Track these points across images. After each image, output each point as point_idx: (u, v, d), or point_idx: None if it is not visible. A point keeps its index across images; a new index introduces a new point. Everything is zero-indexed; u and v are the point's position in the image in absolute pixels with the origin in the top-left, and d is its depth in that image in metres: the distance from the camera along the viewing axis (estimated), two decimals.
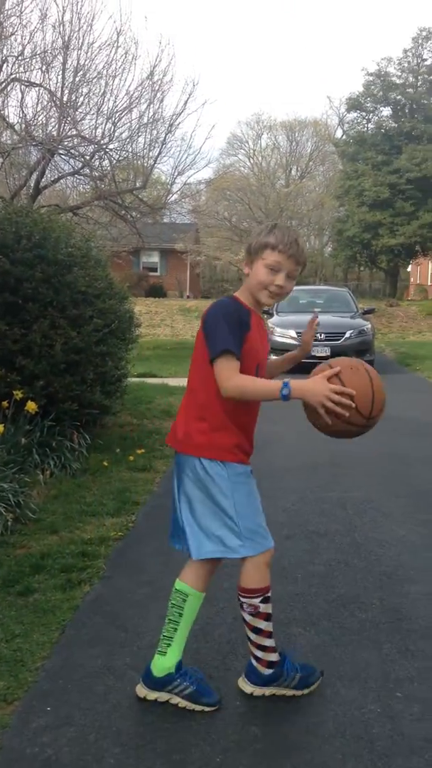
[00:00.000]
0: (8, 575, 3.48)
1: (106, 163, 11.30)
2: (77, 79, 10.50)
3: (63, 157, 10.94)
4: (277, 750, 2.23)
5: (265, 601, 2.46)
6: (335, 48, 71.51)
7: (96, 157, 11.06)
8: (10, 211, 5.93)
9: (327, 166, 44.19)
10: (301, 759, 2.19)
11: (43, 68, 10.30)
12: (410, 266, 39.02)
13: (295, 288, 18.81)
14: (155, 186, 18.23)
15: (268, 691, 2.52)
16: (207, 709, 2.44)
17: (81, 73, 10.54)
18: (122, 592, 3.37)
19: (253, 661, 2.53)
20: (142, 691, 2.51)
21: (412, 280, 41.70)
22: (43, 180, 11.03)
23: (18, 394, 4.98)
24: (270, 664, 2.50)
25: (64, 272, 5.61)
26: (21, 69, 10.20)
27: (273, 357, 2.75)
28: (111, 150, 11.12)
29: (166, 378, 11.13)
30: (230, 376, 2.27)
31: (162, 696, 2.48)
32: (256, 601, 2.45)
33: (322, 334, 12.64)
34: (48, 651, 2.82)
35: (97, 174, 11.19)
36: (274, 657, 2.51)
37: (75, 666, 2.72)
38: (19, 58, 10.10)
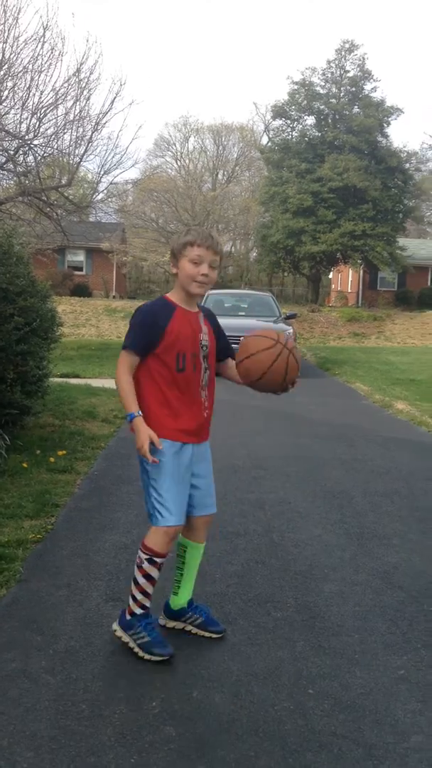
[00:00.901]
0: None
1: (30, 159, 11.12)
2: (2, 72, 10.29)
3: None
4: (192, 749, 2.27)
5: (151, 562, 2.82)
6: (262, 55, 72.50)
7: (20, 152, 10.86)
8: None
9: (253, 172, 44.72)
10: (215, 757, 2.23)
11: None
12: (332, 273, 39.90)
13: (220, 291, 18.90)
14: (81, 184, 18.02)
15: (125, 636, 2.86)
16: (214, 635, 2.99)
17: (6, 66, 10.34)
18: (39, 595, 3.34)
19: (130, 601, 2.88)
20: (163, 620, 3.08)
21: (333, 286, 42.63)
22: None
23: None
24: (132, 613, 2.85)
25: None
26: None
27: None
28: (36, 146, 10.95)
29: (89, 379, 11.02)
30: (121, 366, 2.79)
31: (178, 624, 3.05)
32: (144, 557, 2.82)
33: None
34: None
35: (21, 170, 10.99)
36: (138, 610, 2.86)
37: None
38: None
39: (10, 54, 10.39)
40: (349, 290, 37.83)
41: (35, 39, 10.57)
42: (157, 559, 2.81)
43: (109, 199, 16.05)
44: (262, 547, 4.10)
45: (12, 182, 12.08)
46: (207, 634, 3.00)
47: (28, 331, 5.87)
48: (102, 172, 12.60)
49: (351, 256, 31.01)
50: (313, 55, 69.02)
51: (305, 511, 4.84)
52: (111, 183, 13.89)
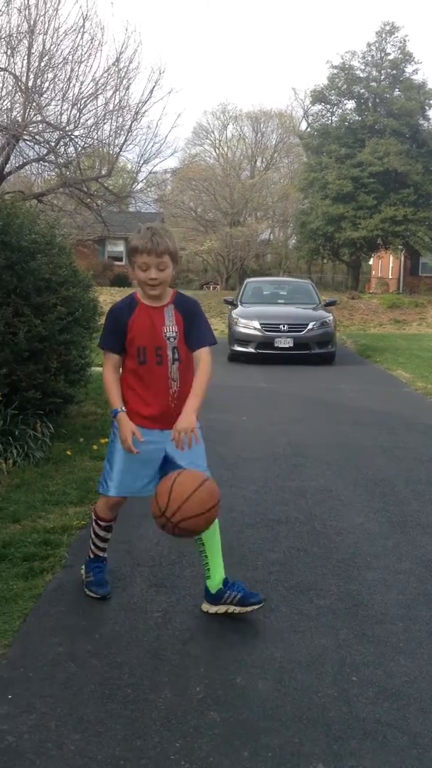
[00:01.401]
0: None
1: (71, 149, 11.17)
2: (43, 64, 10.34)
3: (28, 143, 10.78)
4: (236, 735, 2.28)
5: (98, 524, 3.26)
6: (301, 39, 71.67)
7: (61, 143, 10.92)
8: None
9: (292, 158, 44.31)
10: (259, 743, 2.24)
11: (8, 52, 10.11)
12: (372, 259, 39.42)
13: (259, 279, 18.72)
14: (121, 174, 18.07)
15: (84, 573, 3.33)
16: (256, 606, 3.05)
17: (47, 58, 10.37)
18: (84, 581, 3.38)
19: (91, 547, 3.32)
20: (206, 606, 3.13)
21: (373, 273, 42.12)
22: (7, 166, 10.87)
23: None
24: (89, 557, 3.33)
25: (27, 259, 5.56)
26: None
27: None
28: (76, 137, 10.99)
29: None
30: (105, 365, 3.11)
31: (221, 608, 3.07)
32: (94, 519, 3.29)
33: (285, 326, 12.72)
34: (9, 639, 2.82)
35: (62, 161, 11.06)
36: (92, 555, 3.31)
37: (36, 654, 2.73)
38: None
39: (51, 45, 10.43)
40: (390, 276, 37.34)
41: (75, 30, 10.59)
42: (101, 522, 3.25)
43: (149, 189, 16.08)
44: (303, 535, 4.09)
45: (53, 173, 12.19)
46: (249, 609, 3.03)
47: (71, 321, 5.93)
48: (141, 162, 12.60)
49: (392, 241, 30.58)
50: (352, 38, 67.97)
51: (347, 499, 4.81)
52: (150, 173, 13.89)
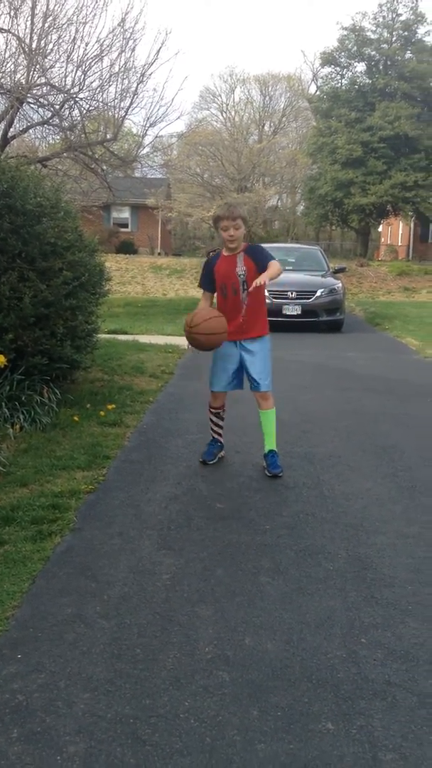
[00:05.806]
0: None
1: (76, 113, 10.98)
2: (46, 25, 10.13)
3: (32, 106, 10.60)
4: (245, 694, 2.29)
5: (210, 411, 4.72)
6: (310, 0, 69.97)
7: (66, 106, 10.74)
8: None
9: (300, 123, 43.64)
10: (268, 703, 2.25)
11: (11, 13, 9.91)
12: (381, 226, 38.97)
13: (267, 245, 18.70)
14: (126, 139, 17.83)
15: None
16: (268, 474, 4.49)
17: (50, 18, 10.16)
18: (92, 544, 3.39)
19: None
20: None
21: (382, 240, 41.69)
22: (11, 130, 10.71)
23: None
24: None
25: (32, 223, 5.49)
26: None
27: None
28: (81, 99, 10.80)
29: (137, 335, 11.06)
30: (201, 299, 4.57)
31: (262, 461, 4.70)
32: (208, 409, 4.74)
33: (293, 293, 12.62)
34: (18, 600, 2.83)
35: (66, 124, 10.89)
36: (211, 438, 4.75)
37: (45, 615, 2.74)
38: None
39: (55, 5, 10.22)
40: (399, 243, 36.97)
41: None
42: (212, 410, 4.68)
43: (154, 154, 15.82)
44: (311, 500, 4.09)
45: (58, 137, 12.00)
46: (267, 473, 4.48)
47: (77, 286, 5.87)
48: (147, 125, 12.39)
49: (402, 208, 30.22)
50: None
51: (355, 464, 4.79)
52: (156, 137, 13.71)
